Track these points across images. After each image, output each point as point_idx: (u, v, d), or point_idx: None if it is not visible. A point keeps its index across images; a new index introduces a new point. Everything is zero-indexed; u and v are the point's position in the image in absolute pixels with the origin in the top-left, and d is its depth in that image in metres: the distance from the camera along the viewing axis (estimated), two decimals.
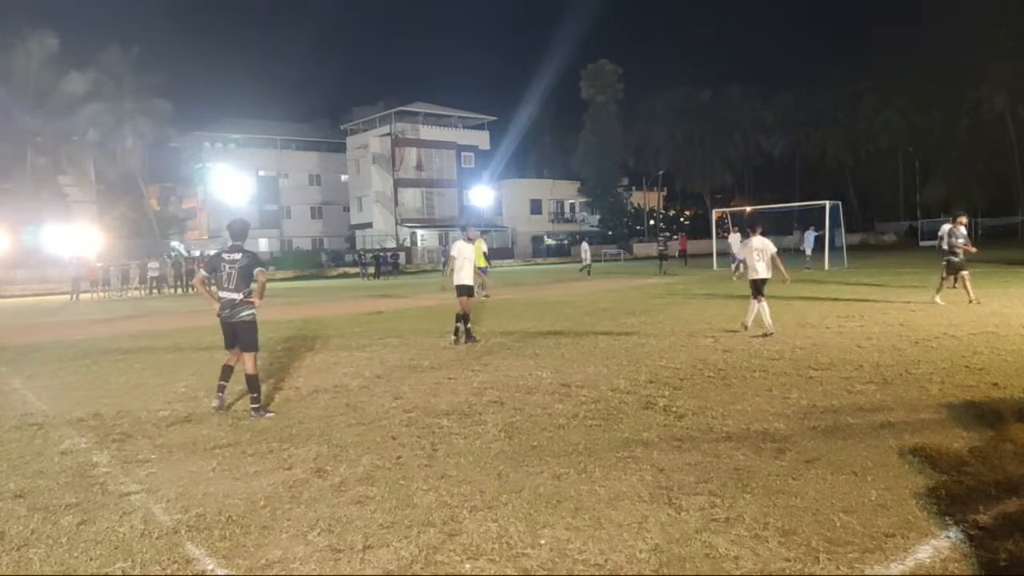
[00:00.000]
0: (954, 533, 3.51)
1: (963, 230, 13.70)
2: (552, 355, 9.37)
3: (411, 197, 61.89)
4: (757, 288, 10.61)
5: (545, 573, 3.29)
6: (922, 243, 56.86)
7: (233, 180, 58.30)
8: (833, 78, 74.23)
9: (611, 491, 4.25)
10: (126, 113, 51.14)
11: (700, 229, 65.59)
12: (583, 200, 72.73)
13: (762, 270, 10.52)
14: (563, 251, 67.27)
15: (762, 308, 10.51)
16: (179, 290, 33.93)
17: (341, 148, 67.32)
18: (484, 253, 20.88)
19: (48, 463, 5.33)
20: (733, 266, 24.32)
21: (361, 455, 5.20)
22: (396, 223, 60.45)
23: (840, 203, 31.79)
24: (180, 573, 3.45)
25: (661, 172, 71.56)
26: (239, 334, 6.60)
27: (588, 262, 31.70)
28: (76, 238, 44.27)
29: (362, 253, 49.34)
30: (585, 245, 33.29)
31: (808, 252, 27.68)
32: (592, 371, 8.09)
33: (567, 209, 73.89)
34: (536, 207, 70.60)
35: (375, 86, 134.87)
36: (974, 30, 58.91)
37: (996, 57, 57.25)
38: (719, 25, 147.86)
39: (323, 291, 29.53)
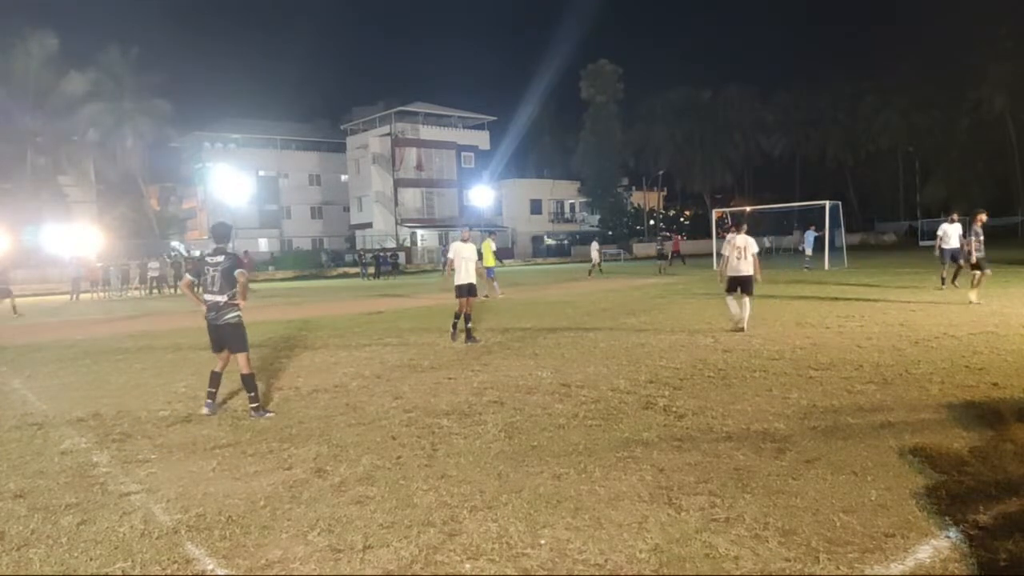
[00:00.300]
0: (954, 533, 3.51)
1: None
2: (552, 355, 9.37)
3: (411, 197, 61.90)
4: (738, 284, 10.77)
5: (545, 573, 3.29)
6: (922, 243, 56.91)
7: (233, 180, 58.31)
8: (833, 78, 74.36)
9: (611, 491, 4.25)
10: (126, 113, 51.16)
11: (700, 229, 65.61)
12: (583, 200, 72.75)
13: (745, 268, 10.66)
14: (563, 251, 67.29)
15: (729, 302, 10.88)
16: (179, 290, 33.93)
17: (341, 148, 67.33)
18: (493, 252, 20.94)
19: (48, 463, 5.33)
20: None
21: (361, 455, 5.20)
22: (396, 223, 60.47)
23: (840, 203, 31.80)
24: (180, 573, 3.45)
25: (661, 172, 71.56)
26: (226, 336, 6.61)
27: (598, 261, 31.62)
28: (76, 238, 44.28)
29: (362, 253, 49.35)
30: (595, 244, 33.15)
31: (808, 252, 27.68)
32: (592, 371, 8.09)
33: (567, 209, 73.91)
34: (536, 207, 70.62)
35: (375, 86, 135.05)
36: (974, 30, 58.96)
37: (996, 57, 57.27)
38: (719, 25, 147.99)
39: (323, 291, 29.53)
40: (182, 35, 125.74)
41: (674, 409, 6.15)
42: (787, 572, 3.21)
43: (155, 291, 32.70)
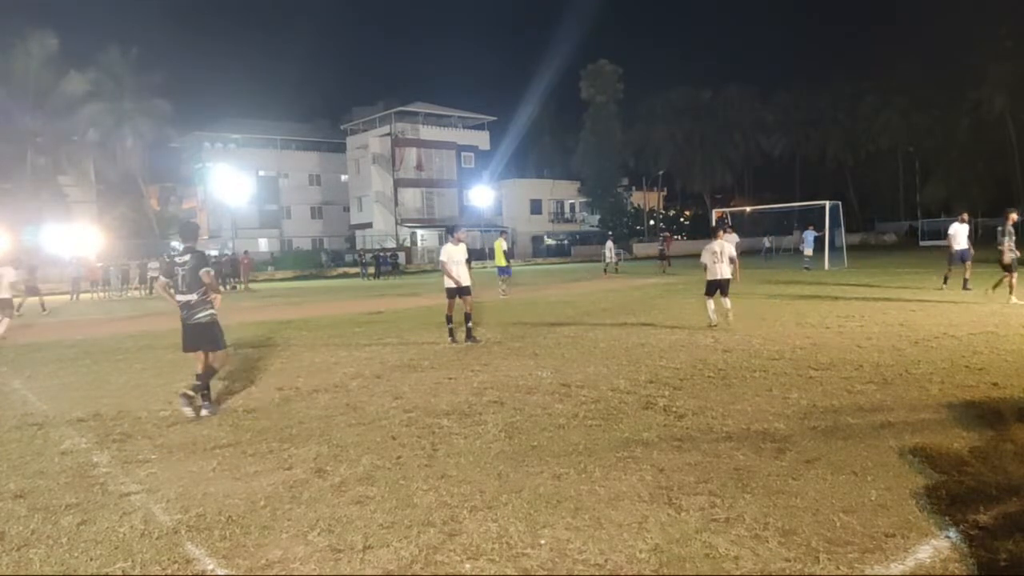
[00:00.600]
0: (954, 533, 3.51)
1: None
2: (552, 355, 9.37)
3: (411, 197, 61.89)
4: (716, 287, 11.25)
5: (545, 573, 3.29)
6: (922, 243, 56.92)
7: (233, 180, 58.29)
8: (833, 78, 74.49)
9: (611, 491, 4.25)
10: (126, 113, 51.17)
11: (700, 229, 65.61)
12: (583, 200, 72.72)
13: (722, 271, 11.17)
14: (563, 251, 67.28)
15: (719, 304, 11.29)
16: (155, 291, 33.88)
17: (341, 148, 67.33)
18: (504, 252, 20.96)
19: (48, 463, 5.33)
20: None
21: (361, 455, 5.19)
22: (396, 223, 60.47)
23: (840, 203, 31.79)
24: (180, 573, 3.45)
25: (661, 172, 71.59)
26: (199, 335, 6.64)
27: (611, 260, 31.62)
28: (76, 238, 44.28)
29: (362, 253, 49.34)
30: (610, 244, 33.12)
31: (808, 252, 27.68)
32: (592, 371, 8.09)
33: (567, 209, 73.90)
34: (536, 207, 70.60)
35: (375, 86, 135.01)
36: (974, 30, 59.00)
37: (996, 57, 57.30)
38: (719, 25, 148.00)
39: (323, 291, 29.53)
40: (182, 35, 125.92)
41: (674, 409, 6.14)
42: (787, 572, 3.21)
43: (155, 291, 32.68)
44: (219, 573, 3.43)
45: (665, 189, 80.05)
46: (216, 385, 8.18)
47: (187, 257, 6.63)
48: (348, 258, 56.71)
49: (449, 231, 11.65)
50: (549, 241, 70.19)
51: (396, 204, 60.72)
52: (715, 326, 11.18)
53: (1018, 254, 13.30)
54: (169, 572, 3.46)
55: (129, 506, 4.36)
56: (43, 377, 9.35)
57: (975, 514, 3.69)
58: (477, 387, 7.48)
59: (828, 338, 9.79)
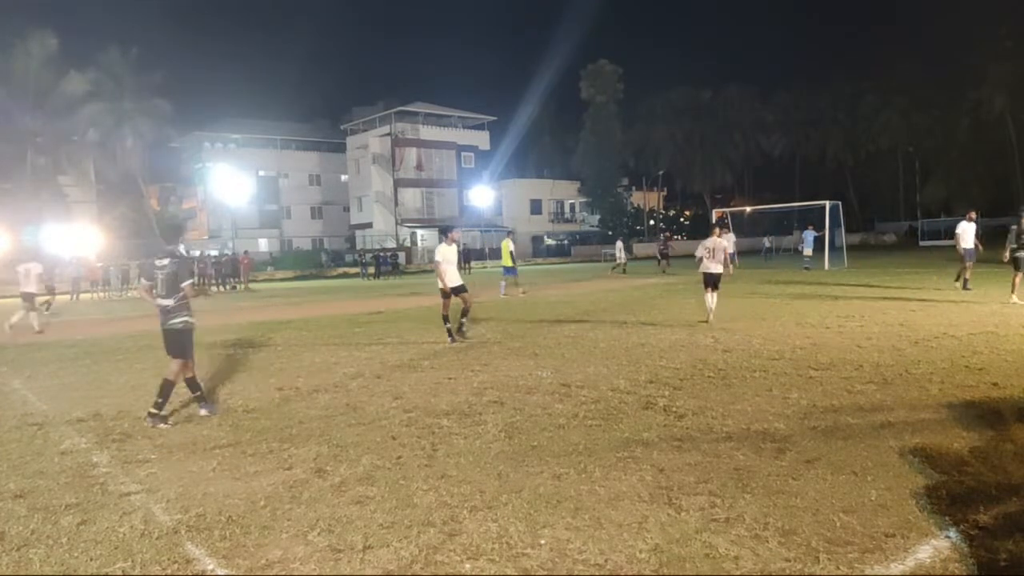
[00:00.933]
0: (954, 533, 3.51)
1: None
2: (552, 355, 9.37)
3: (411, 197, 61.90)
4: (709, 281, 11.96)
5: (545, 573, 3.29)
6: (922, 243, 56.92)
7: (233, 180, 58.32)
8: (833, 78, 74.49)
9: (611, 491, 4.25)
10: (126, 113, 51.18)
11: (700, 229, 65.60)
12: (583, 200, 72.74)
13: (713, 266, 11.86)
14: (563, 251, 67.29)
15: (706, 298, 11.94)
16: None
17: (341, 148, 67.34)
18: (511, 253, 20.99)
19: (48, 463, 5.33)
20: (731, 266, 24.80)
21: (361, 455, 5.19)
22: (396, 223, 60.48)
23: (840, 203, 31.79)
24: (180, 573, 3.45)
25: (661, 172, 71.58)
26: (170, 340, 6.51)
27: (622, 260, 31.59)
28: (76, 238, 44.28)
29: (362, 253, 49.33)
30: (620, 244, 33.08)
31: (807, 252, 27.68)
32: (592, 371, 8.09)
33: (567, 209, 73.92)
34: (536, 207, 70.61)
35: (375, 86, 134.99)
36: (974, 30, 59.02)
37: (996, 57, 57.34)
38: (719, 25, 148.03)
39: (323, 291, 29.53)
40: (182, 35, 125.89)
41: (674, 409, 6.14)
42: (787, 572, 3.21)
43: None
44: (219, 573, 3.43)
45: (665, 189, 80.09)
46: (217, 385, 8.19)
47: (166, 261, 6.49)
48: (348, 258, 56.72)
49: (443, 232, 11.63)
50: (549, 241, 70.20)
51: (396, 204, 60.73)
52: (706, 321, 11.72)
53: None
54: (169, 572, 3.46)
55: (129, 506, 4.35)
56: (43, 377, 9.34)
57: (975, 514, 3.69)
58: (477, 387, 7.48)
59: (828, 338, 9.79)
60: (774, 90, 77.74)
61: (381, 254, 43.89)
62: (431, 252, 57.79)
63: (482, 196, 63.68)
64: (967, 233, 15.86)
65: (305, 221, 68.18)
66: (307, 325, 14.69)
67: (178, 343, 6.52)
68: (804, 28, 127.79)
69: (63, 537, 3.90)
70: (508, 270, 20.90)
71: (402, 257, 50.34)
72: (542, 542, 3.59)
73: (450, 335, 11.01)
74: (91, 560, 3.61)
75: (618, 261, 31.80)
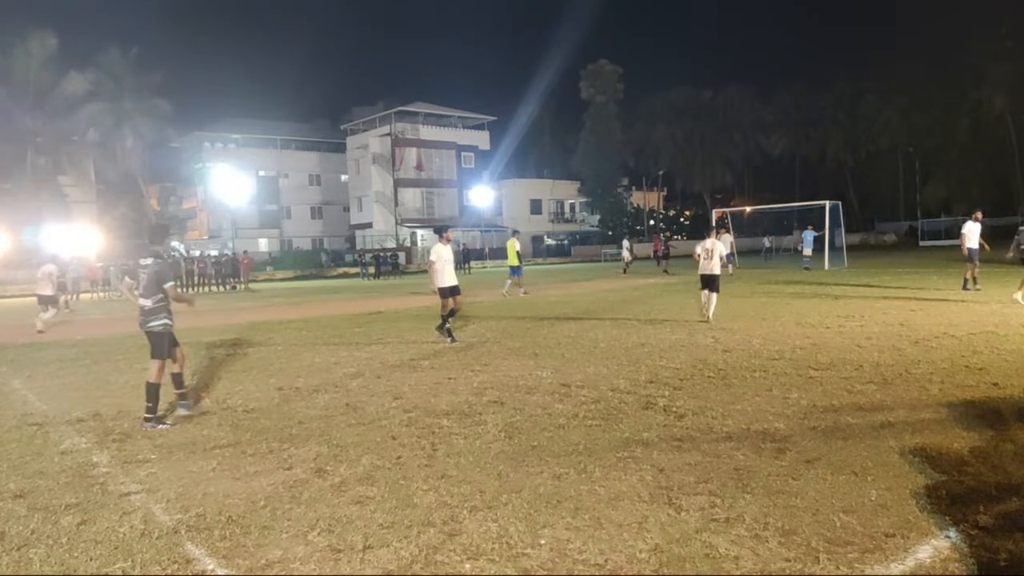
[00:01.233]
0: (954, 533, 3.51)
1: None
2: (552, 355, 9.37)
3: (411, 197, 61.90)
4: (706, 282, 12.22)
5: (545, 573, 3.29)
6: (922, 243, 56.91)
7: (233, 180, 58.32)
8: (833, 78, 74.46)
9: (611, 491, 4.25)
10: (126, 113, 51.18)
11: (700, 229, 65.56)
12: (583, 200, 72.74)
13: (709, 267, 12.17)
14: (563, 251, 67.29)
15: (710, 298, 12.13)
16: (178, 290, 33.90)
17: (341, 148, 67.33)
18: (517, 252, 21.05)
19: (48, 463, 5.33)
20: (730, 265, 25.16)
21: (361, 455, 5.19)
22: (396, 223, 60.47)
23: (840, 203, 31.78)
24: (180, 573, 3.45)
25: (661, 172, 71.57)
26: (150, 341, 6.50)
27: (629, 260, 31.57)
28: (76, 238, 44.27)
29: (362, 253, 49.30)
30: (626, 243, 33.02)
31: (807, 252, 27.69)
32: (592, 371, 8.09)
33: (567, 209, 73.90)
34: (536, 207, 70.60)
35: (375, 86, 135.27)
36: (974, 30, 59.02)
37: (996, 57, 57.35)
38: (719, 25, 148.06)
39: (323, 291, 29.53)
40: (182, 35, 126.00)
41: (674, 409, 6.14)
42: (787, 572, 3.21)
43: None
44: (219, 573, 3.42)
45: (665, 189, 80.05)
46: (217, 385, 8.19)
47: (149, 261, 6.46)
48: (348, 258, 56.70)
49: (438, 231, 11.69)
50: (549, 241, 70.17)
51: (396, 204, 60.72)
52: (704, 320, 11.92)
53: None
54: (169, 572, 3.46)
55: (129, 506, 4.35)
56: (43, 377, 9.35)
57: (975, 514, 3.69)
58: (477, 387, 7.48)
59: (828, 338, 9.79)
60: (774, 90, 77.85)
61: (381, 254, 43.88)
62: (431, 252, 58.01)
63: (482, 196, 63.67)
64: (972, 233, 15.80)
65: (305, 221, 68.16)
66: (307, 325, 14.69)
67: (157, 343, 6.50)
68: (804, 28, 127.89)
69: (63, 537, 3.90)
70: (514, 270, 20.96)
71: (402, 257, 50.34)
72: (542, 542, 3.59)
73: (450, 335, 11.02)
74: (91, 560, 3.61)
75: (626, 261, 31.83)
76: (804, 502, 3.97)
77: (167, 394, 6.79)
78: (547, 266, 51.69)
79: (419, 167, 62.04)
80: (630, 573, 3.25)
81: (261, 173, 64.60)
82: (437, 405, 6.72)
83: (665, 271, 29.87)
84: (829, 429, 5.36)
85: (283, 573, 3.40)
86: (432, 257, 11.11)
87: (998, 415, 5.59)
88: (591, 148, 68.67)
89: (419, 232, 61.75)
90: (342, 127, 67.99)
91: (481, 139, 68.04)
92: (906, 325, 10.72)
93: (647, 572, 3.25)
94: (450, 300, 11.12)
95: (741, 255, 34.71)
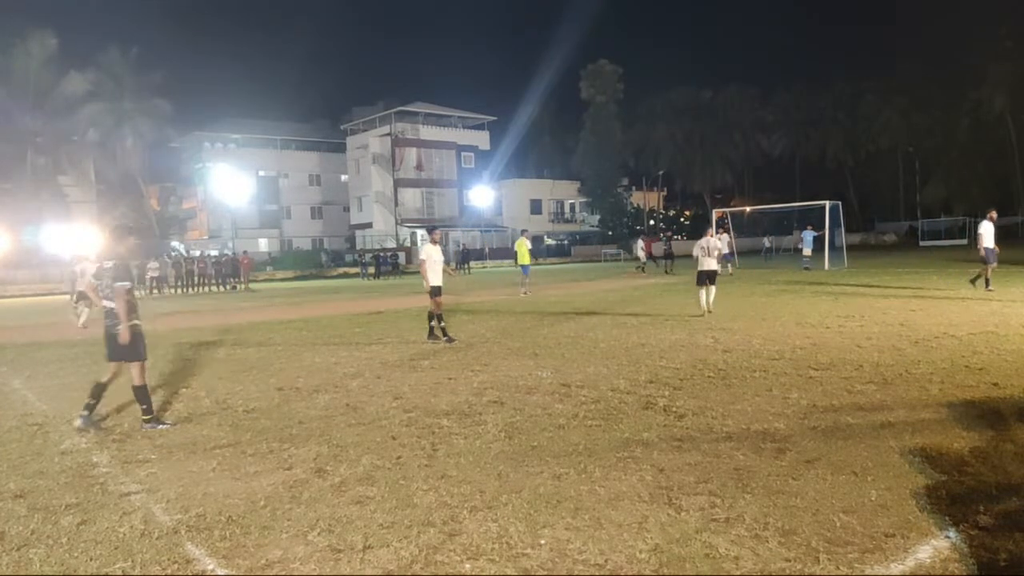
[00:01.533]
0: (954, 533, 3.51)
1: None
2: (552, 355, 9.37)
3: (411, 197, 61.89)
4: (706, 277, 12.86)
5: (545, 573, 3.29)
6: (922, 243, 56.91)
7: (233, 180, 58.31)
8: (833, 78, 74.49)
9: (611, 491, 4.25)
10: (126, 113, 51.20)
11: (700, 229, 65.54)
12: (583, 200, 72.71)
13: (710, 264, 12.90)
14: (563, 251, 67.29)
15: (707, 292, 12.85)
16: (179, 290, 33.96)
17: (341, 148, 67.32)
18: (529, 251, 21.20)
19: (48, 463, 5.33)
20: (729, 265, 25.29)
21: (361, 455, 5.19)
22: (396, 223, 60.46)
23: (840, 203, 31.78)
24: (180, 573, 3.45)
25: (661, 172, 71.56)
26: (120, 345, 6.25)
27: (643, 260, 31.47)
28: (76, 238, 44.26)
29: (362, 253, 49.29)
30: (640, 242, 32.93)
31: (807, 252, 27.70)
32: (592, 371, 8.09)
33: (567, 209, 73.89)
34: (536, 207, 70.58)
35: (375, 86, 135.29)
36: (974, 30, 59.04)
37: (996, 57, 57.34)
38: (719, 25, 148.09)
39: (323, 291, 29.53)
40: (182, 35, 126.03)
41: (674, 409, 6.14)
42: (787, 572, 3.21)
43: (155, 292, 32.70)
44: (219, 573, 3.42)
45: (665, 189, 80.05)
46: (217, 385, 8.19)
47: (110, 264, 6.32)
48: (348, 258, 56.69)
49: (428, 231, 11.75)
50: (549, 241, 70.09)
51: (396, 204, 60.71)
52: (701, 316, 12.51)
53: None
54: (169, 572, 3.46)
55: (129, 506, 4.35)
56: (43, 377, 9.34)
57: (975, 514, 3.69)
58: (477, 387, 7.48)
59: (828, 338, 9.79)
60: (774, 90, 77.85)
61: (381, 254, 43.89)
62: (420, 252, 57.93)
63: (482, 196, 63.65)
64: (988, 233, 15.66)
65: (305, 221, 68.16)
66: (307, 325, 14.69)
67: (131, 345, 6.25)
68: (804, 28, 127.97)
69: (63, 537, 3.90)
70: (525, 268, 21.12)
71: (402, 257, 50.36)
72: (542, 542, 3.59)
73: (445, 334, 11.05)
74: (91, 560, 3.61)
75: (642, 261, 31.83)
76: (804, 502, 3.96)
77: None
78: (547, 266, 51.70)
79: (419, 167, 62.04)
80: (630, 573, 3.25)
81: (261, 173, 64.59)
82: (437, 405, 6.72)
83: (667, 271, 29.88)
84: (829, 429, 5.36)
85: (283, 573, 3.40)
86: (422, 256, 11.16)
87: (998, 415, 5.59)
88: (591, 148, 68.63)
89: (419, 232, 61.69)
90: (342, 127, 67.99)
91: (481, 139, 68.02)
92: (906, 325, 10.72)
93: (647, 572, 3.25)
94: (439, 300, 11.17)
95: (741, 255, 34.71)
